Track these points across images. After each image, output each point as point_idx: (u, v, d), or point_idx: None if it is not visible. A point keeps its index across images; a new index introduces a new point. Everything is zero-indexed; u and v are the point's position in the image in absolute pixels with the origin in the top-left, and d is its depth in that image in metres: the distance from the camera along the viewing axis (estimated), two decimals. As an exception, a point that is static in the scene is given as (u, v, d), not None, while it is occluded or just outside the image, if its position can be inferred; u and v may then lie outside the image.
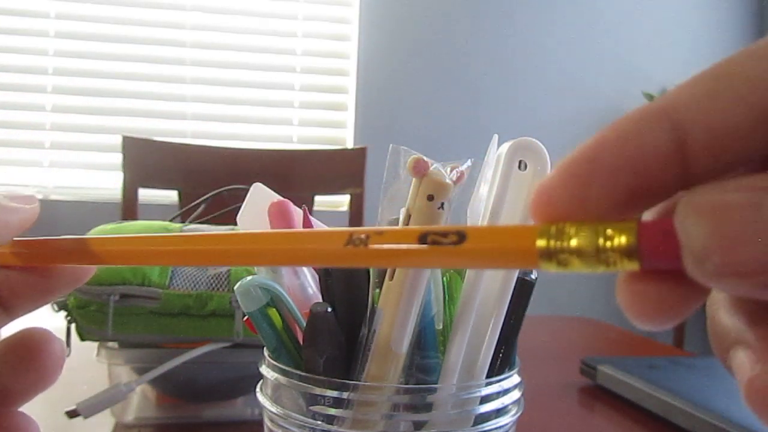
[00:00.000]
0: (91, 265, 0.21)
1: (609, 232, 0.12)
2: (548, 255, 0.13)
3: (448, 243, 0.14)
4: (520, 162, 0.26)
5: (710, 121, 0.12)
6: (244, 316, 0.28)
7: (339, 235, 0.15)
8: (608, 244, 0.12)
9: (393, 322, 0.26)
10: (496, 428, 0.27)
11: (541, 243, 0.13)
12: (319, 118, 1.99)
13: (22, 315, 0.21)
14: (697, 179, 0.13)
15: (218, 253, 0.18)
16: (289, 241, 0.17)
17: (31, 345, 0.21)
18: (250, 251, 0.17)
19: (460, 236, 0.14)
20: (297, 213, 0.34)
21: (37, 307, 0.22)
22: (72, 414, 0.42)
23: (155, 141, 1.22)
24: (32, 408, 0.22)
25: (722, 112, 0.12)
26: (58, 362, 0.21)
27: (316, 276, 0.30)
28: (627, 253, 0.12)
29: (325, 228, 0.16)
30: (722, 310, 0.15)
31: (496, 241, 0.13)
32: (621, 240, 0.12)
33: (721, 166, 0.13)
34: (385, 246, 0.14)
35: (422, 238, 0.14)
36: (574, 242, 0.13)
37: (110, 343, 0.48)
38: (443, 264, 0.14)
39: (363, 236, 0.15)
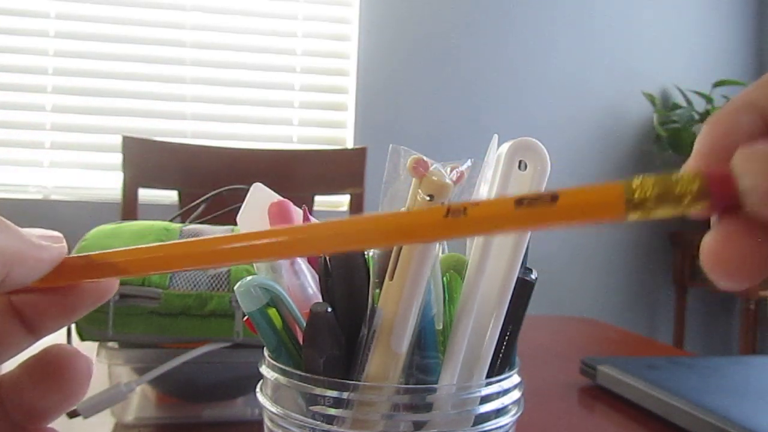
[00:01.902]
0: (115, 278, 0.21)
1: (681, 181, 0.15)
2: (633, 206, 0.15)
3: (542, 204, 0.15)
4: (520, 162, 0.26)
5: None
6: (244, 316, 0.28)
7: (437, 209, 0.16)
8: (683, 190, 0.15)
9: (393, 322, 0.26)
10: (496, 428, 0.27)
11: (626, 196, 0.15)
12: (319, 118, 1.99)
13: (46, 335, 0.21)
14: None
15: (307, 241, 0.18)
16: (389, 221, 0.17)
17: (58, 362, 0.21)
18: (355, 233, 0.18)
19: (553, 197, 0.15)
20: (297, 213, 0.34)
21: (61, 327, 0.22)
22: (72, 414, 0.42)
23: (155, 141, 1.22)
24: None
25: None
26: (85, 380, 0.21)
27: (316, 276, 0.30)
28: (698, 195, 0.15)
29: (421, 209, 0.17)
30: None
31: (587, 198, 0.15)
32: (693, 186, 0.15)
33: None
34: (485, 213, 0.16)
35: (518, 203, 0.15)
36: (655, 191, 0.15)
37: (110, 343, 0.48)
38: (539, 225, 0.15)
39: (460, 209, 0.16)
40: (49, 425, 0.21)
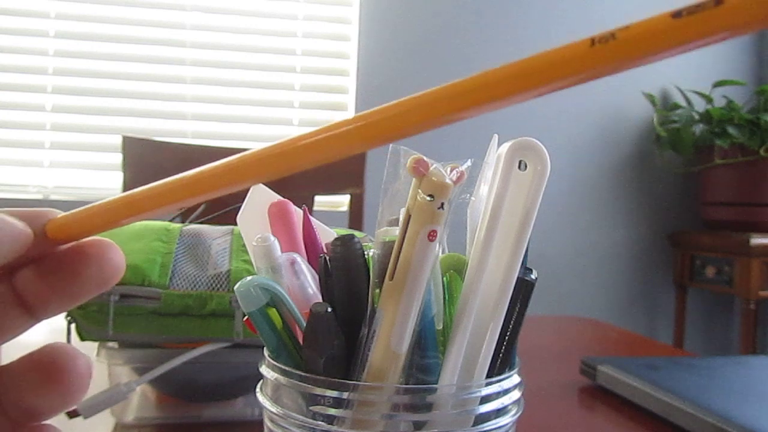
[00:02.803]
0: (118, 267, 0.21)
1: None
2: None
3: (706, 8, 0.13)
4: (520, 162, 0.26)
5: None
6: (244, 316, 0.28)
7: (581, 42, 0.14)
8: None
9: (393, 322, 0.26)
10: (496, 428, 0.27)
11: None
12: (319, 118, 1.99)
13: (45, 318, 0.21)
14: None
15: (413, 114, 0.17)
16: (531, 61, 0.16)
17: (56, 363, 0.20)
18: (486, 84, 0.16)
19: (717, 0, 0.13)
20: (297, 213, 0.34)
21: (62, 311, 0.21)
22: (72, 414, 0.42)
23: (155, 141, 1.22)
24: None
25: None
26: (84, 380, 0.21)
27: (316, 276, 0.30)
28: None
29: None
30: None
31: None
32: None
33: None
34: (638, 33, 0.14)
35: (676, 15, 0.13)
36: None
37: (110, 343, 0.48)
38: (701, 36, 0.13)
39: (608, 34, 0.14)
40: (48, 422, 0.21)
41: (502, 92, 0.16)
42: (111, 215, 0.20)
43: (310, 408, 0.26)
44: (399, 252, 0.25)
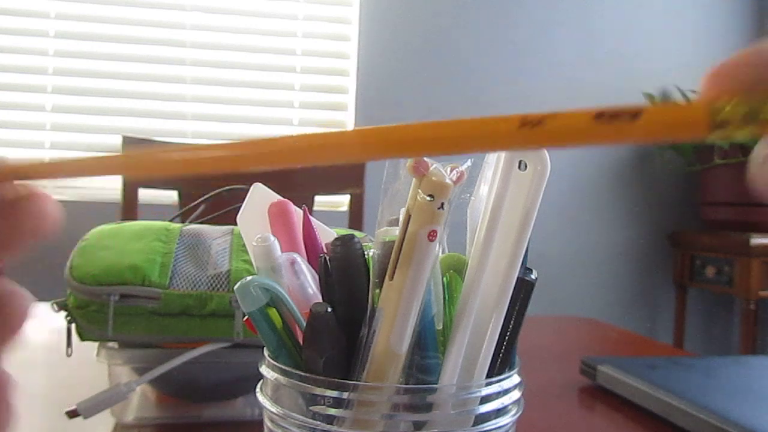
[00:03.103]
0: (52, 213, 0.21)
1: None
2: (718, 125, 0.14)
3: (623, 120, 0.14)
4: (520, 162, 0.26)
5: None
6: (244, 316, 0.28)
7: (511, 119, 0.15)
8: None
9: (393, 322, 0.26)
10: (496, 428, 0.27)
11: (711, 115, 0.14)
12: (319, 118, 1.99)
13: None
14: None
15: (364, 144, 0.18)
16: (461, 128, 0.16)
17: None
18: (421, 139, 0.17)
19: (635, 113, 0.14)
20: (297, 213, 0.34)
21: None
22: (72, 414, 0.42)
23: (155, 141, 1.22)
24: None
25: None
26: (21, 318, 0.20)
27: (316, 276, 0.30)
28: None
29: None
30: None
31: (670, 116, 0.14)
32: None
33: None
34: (562, 125, 0.15)
35: (598, 117, 0.15)
36: (742, 110, 0.14)
37: (110, 343, 0.48)
38: (617, 140, 0.15)
39: (536, 119, 0.15)
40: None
41: (426, 149, 0.18)
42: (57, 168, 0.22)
43: (310, 408, 0.26)
44: (399, 252, 0.25)
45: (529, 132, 0.15)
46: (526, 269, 0.28)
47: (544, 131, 0.15)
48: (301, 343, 0.27)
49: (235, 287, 0.27)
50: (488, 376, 0.27)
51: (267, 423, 0.28)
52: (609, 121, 0.15)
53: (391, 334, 0.26)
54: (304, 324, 0.27)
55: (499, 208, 0.26)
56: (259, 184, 0.34)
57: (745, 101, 0.14)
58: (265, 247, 0.29)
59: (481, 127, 0.16)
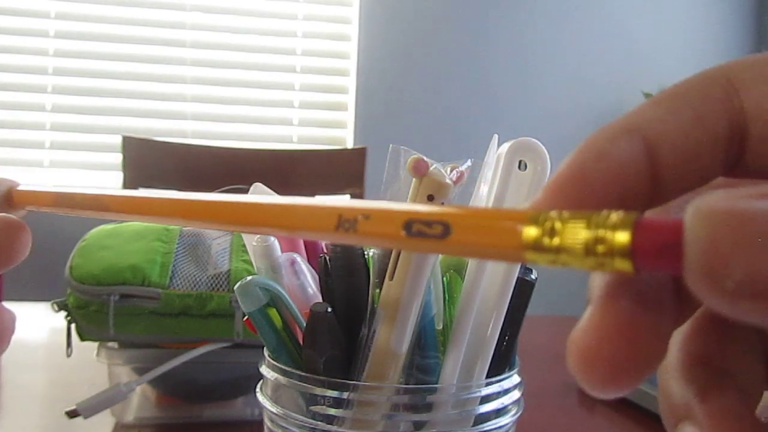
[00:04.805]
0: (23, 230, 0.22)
1: (603, 226, 0.11)
2: (536, 248, 0.12)
3: (432, 235, 0.13)
4: (520, 162, 0.26)
5: (674, 138, 0.13)
6: (244, 316, 0.28)
7: (329, 217, 0.15)
8: (600, 239, 0.11)
9: (393, 322, 0.26)
10: (496, 428, 0.27)
11: (528, 234, 0.12)
12: (319, 118, 1.99)
13: None
14: (668, 193, 0.13)
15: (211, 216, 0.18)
16: (283, 216, 0.17)
17: None
18: (243, 216, 0.18)
19: (445, 228, 0.13)
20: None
21: None
22: (72, 414, 0.42)
23: (155, 141, 1.22)
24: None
25: (683, 130, 0.13)
26: (7, 334, 0.21)
27: (316, 276, 0.30)
28: (621, 252, 0.11)
29: (317, 205, 0.16)
30: (673, 381, 0.14)
31: (482, 236, 0.13)
32: (616, 236, 0.11)
33: (689, 180, 0.13)
34: (373, 232, 0.15)
35: (407, 227, 0.14)
36: (564, 237, 0.12)
37: (110, 343, 0.48)
38: (430, 252, 0.14)
39: (351, 220, 0.15)
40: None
41: (245, 223, 0.18)
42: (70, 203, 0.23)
43: (310, 408, 0.26)
44: (399, 252, 0.25)
45: (343, 233, 0.15)
46: (526, 269, 0.28)
47: (357, 234, 0.15)
48: (301, 343, 0.27)
49: (235, 287, 0.27)
50: (488, 376, 0.27)
51: (267, 423, 0.28)
52: (419, 233, 0.13)
53: (391, 334, 0.26)
54: (304, 324, 0.27)
55: (499, 208, 0.26)
56: (259, 183, 0.34)
57: (570, 220, 0.12)
58: (265, 247, 0.29)
59: (302, 224, 0.16)
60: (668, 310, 0.13)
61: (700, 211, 0.10)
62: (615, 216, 0.11)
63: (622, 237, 0.11)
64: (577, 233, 0.12)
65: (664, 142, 0.13)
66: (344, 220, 0.15)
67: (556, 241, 0.12)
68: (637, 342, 0.12)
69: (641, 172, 0.13)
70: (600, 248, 0.11)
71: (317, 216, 0.16)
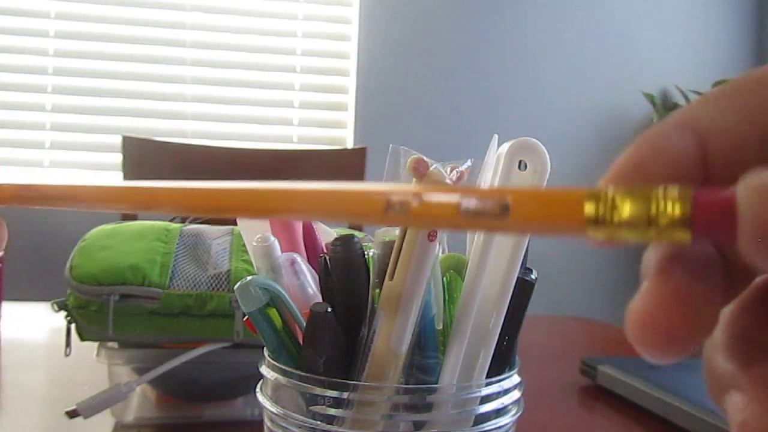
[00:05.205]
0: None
1: (662, 199, 0.12)
2: (597, 223, 0.13)
3: (490, 214, 0.13)
4: (520, 162, 0.26)
5: (721, 132, 0.14)
6: (244, 316, 0.28)
7: (377, 201, 0.15)
8: (660, 211, 0.12)
9: (393, 322, 0.26)
10: (496, 428, 0.27)
11: (590, 209, 0.13)
12: (319, 118, 1.99)
13: None
14: (718, 183, 0.14)
15: (240, 204, 0.18)
16: (330, 202, 0.16)
17: None
18: (288, 203, 0.17)
19: (503, 207, 0.13)
20: (297, 213, 0.34)
21: None
22: (72, 414, 0.42)
23: (155, 141, 1.22)
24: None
25: (735, 127, 0.14)
26: None
27: (316, 276, 0.30)
28: (681, 222, 0.12)
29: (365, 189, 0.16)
30: (719, 354, 0.15)
31: (543, 212, 0.13)
32: (675, 208, 0.12)
33: (737, 171, 0.14)
34: (426, 213, 0.15)
35: (465, 209, 0.14)
36: (624, 211, 0.13)
37: (110, 343, 0.48)
38: (487, 230, 0.14)
39: (401, 202, 0.15)
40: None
41: (297, 211, 0.18)
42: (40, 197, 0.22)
43: (310, 408, 0.26)
44: (399, 252, 0.25)
45: (395, 215, 0.15)
46: (526, 269, 0.28)
47: (410, 215, 0.15)
48: (301, 343, 0.27)
49: (235, 287, 0.27)
50: (488, 376, 0.27)
51: (267, 423, 0.28)
52: (476, 215, 0.13)
53: (391, 334, 0.26)
54: (304, 324, 0.27)
55: (499, 208, 0.26)
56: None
57: (627, 195, 0.13)
58: (265, 247, 0.29)
59: (357, 208, 0.16)
60: (718, 284, 0.14)
61: (751, 183, 0.12)
62: (674, 190, 0.12)
63: (682, 208, 0.12)
64: (639, 207, 0.12)
65: (713, 136, 0.14)
66: (394, 202, 0.15)
67: (617, 215, 0.13)
68: (690, 310, 0.13)
69: (693, 164, 0.14)
70: (662, 220, 0.12)
71: (366, 199, 0.15)
